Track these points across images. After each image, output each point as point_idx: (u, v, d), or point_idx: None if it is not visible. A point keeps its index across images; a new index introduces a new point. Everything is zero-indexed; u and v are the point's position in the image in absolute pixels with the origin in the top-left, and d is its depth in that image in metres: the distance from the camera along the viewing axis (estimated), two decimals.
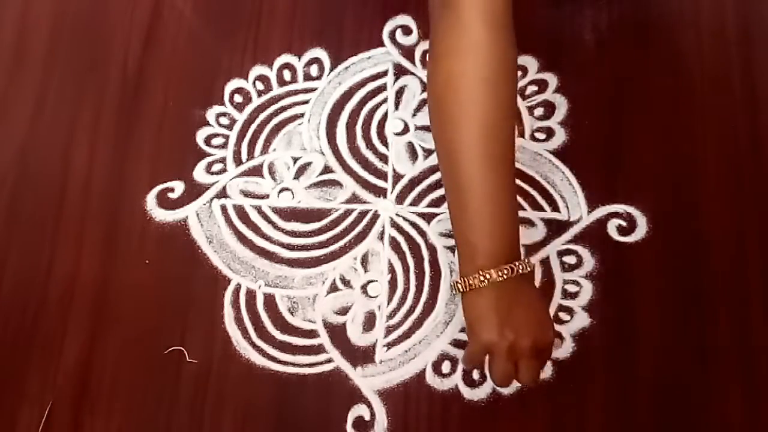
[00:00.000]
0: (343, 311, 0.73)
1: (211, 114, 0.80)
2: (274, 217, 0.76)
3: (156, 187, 0.77)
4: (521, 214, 0.75)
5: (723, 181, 0.75)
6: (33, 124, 0.80)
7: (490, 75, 0.58)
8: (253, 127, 0.80)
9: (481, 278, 0.57)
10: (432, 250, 0.74)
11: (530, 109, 0.79)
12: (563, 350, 0.70)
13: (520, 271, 0.58)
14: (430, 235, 0.75)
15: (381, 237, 0.75)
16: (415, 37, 0.82)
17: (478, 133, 0.58)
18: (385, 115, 0.80)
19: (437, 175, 0.77)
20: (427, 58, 0.61)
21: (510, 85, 0.60)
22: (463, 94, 0.58)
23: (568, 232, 0.74)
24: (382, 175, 0.78)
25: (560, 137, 0.78)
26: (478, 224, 0.58)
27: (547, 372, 0.69)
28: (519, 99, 0.79)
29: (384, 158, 0.78)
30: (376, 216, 0.76)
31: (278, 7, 0.84)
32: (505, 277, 0.57)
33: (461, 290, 0.59)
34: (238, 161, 0.78)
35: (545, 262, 0.73)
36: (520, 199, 0.75)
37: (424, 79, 0.81)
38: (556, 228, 0.74)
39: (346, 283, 0.74)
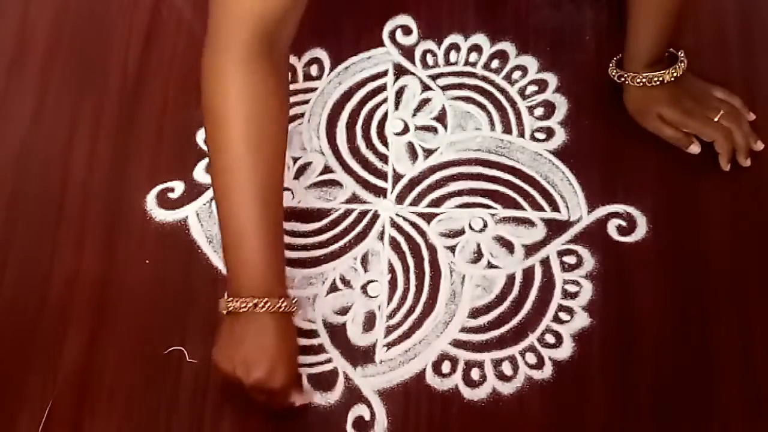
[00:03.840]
0: (343, 311, 0.73)
1: None
2: None
3: (156, 187, 0.77)
4: (522, 214, 0.75)
5: (723, 180, 0.74)
6: (33, 124, 0.80)
7: (252, 118, 0.60)
8: None
9: (228, 304, 0.61)
10: (432, 250, 0.74)
11: (530, 109, 0.79)
12: (563, 350, 0.70)
13: (260, 307, 0.59)
14: (430, 235, 0.75)
15: (381, 237, 0.75)
16: (415, 37, 0.82)
17: (243, 171, 0.60)
18: (385, 115, 0.80)
19: (437, 175, 0.77)
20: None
21: (270, 120, 0.61)
22: (224, 132, 0.60)
23: (568, 232, 0.74)
24: (382, 175, 0.78)
25: (560, 137, 0.78)
26: (236, 252, 0.61)
27: (546, 372, 0.69)
28: (519, 99, 0.79)
29: (384, 158, 0.78)
30: (376, 216, 0.76)
31: None
32: (244, 308, 0.60)
33: (221, 310, 0.62)
34: None
35: (545, 262, 0.73)
36: (520, 198, 0.75)
37: (425, 80, 0.81)
38: (556, 228, 0.74)
39: (346, 283, 0.74)
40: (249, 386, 0.61)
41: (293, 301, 0.63)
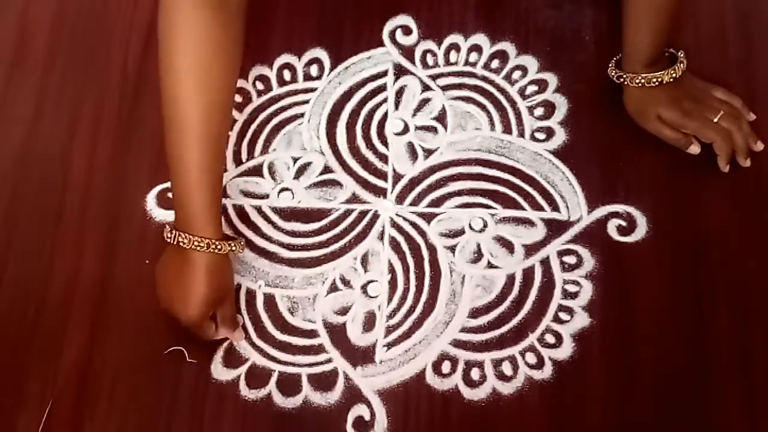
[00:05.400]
0: (343, 311, 0.73)
1: None
2: (274, 217, 0.76)
3: (156, 187, 0.77)
4: (522, 214, 0.75)
5: (723, 180, 0.74)
6: (33, 124, 0.80)
7: (200, 59, 0.62)
8: (253, 127, 0.80)
9: (167, 235, 0.66)
10: (432, 250, 0.74)
11: (530, 109, 0.79)
12: (563, 350, 0.70)
13: (195, 244, 0.64)
14: (430, 235, 0.75)
15: (381, 237, 0.75)
16: (415, 37, 0.82)
17: (193, 117, 0.63)
18: (385, 115, 0.80)
19: (437, 175, 0.77)
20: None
21: (218, 68, 0.64)
22: (172, 76, 0.63)
23: (568, 232, 0.74)
24: (382, 175, 0.78)
25: (560, 137, 0.78)
26: (177, 185, 0.66)
27: (546, 372, 0.69)
28: (519, 99, 0.79)
29: (384, 158, 0.78)
30: (376, 216, 0.76)
31: (278, 7, 0.84)
32: (175, 242, 0.65)
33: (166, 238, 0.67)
34: (238, 161, 0.78)
35: (545, 262, 0.73)
36: (520, 198, 0.75)
37: (425, 79, 0.81)
38: (556, 228, 0.74)
39: (346, 283, 0.74)
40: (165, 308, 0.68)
41: (230, 244, 0.67)
